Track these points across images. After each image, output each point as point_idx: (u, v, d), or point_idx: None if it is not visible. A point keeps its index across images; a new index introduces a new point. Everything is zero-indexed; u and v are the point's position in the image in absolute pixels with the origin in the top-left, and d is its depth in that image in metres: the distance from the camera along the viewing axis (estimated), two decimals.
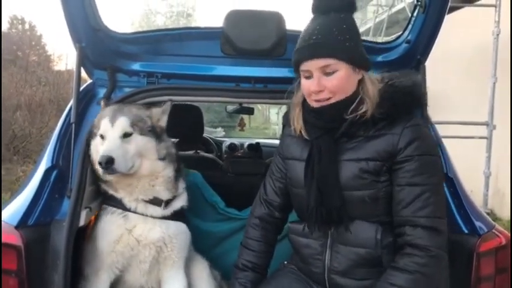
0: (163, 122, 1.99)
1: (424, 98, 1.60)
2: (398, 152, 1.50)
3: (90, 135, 1.90)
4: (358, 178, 1.53)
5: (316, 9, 1.57)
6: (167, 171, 1.95)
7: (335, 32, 1.51)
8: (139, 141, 1.88)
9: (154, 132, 1.93)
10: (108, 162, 1.74)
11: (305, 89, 1.58)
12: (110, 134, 1.84)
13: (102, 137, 1.86)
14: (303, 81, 1.58)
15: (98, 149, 1.84)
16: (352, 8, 1.57)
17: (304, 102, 1.64)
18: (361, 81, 1.56)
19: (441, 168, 1.60)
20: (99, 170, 1.80)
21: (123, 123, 1.85)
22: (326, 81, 1.52)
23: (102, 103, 2.01)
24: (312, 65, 1.52)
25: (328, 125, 1.57)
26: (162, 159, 1.94)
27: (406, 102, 1.54)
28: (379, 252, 1.53)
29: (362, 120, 1.53)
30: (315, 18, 1.57)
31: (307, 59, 1.53)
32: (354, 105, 1.53)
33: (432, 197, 1.48)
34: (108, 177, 1.87)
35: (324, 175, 1.55)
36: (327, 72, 1.51)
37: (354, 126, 1.54)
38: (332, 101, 1.54)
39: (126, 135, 1.85)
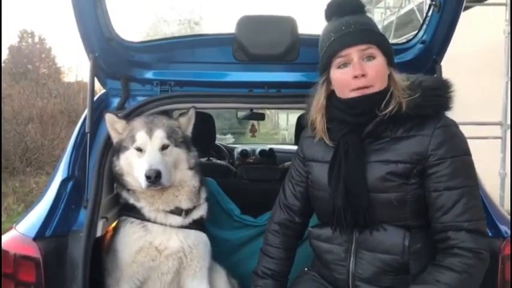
0: (189, 130, 1.98)
1: (452, 100, 1.57)
2: (430, 154, 1.47)
3: (118, 147, 1.88)
4: (385, 180, 1.50)
5: (332, 13, 1.59)
6: (194, 181, 1.94)
7: (370, 24, 1.56)
8: (175, 153, 1.87)
9: (185, 143, 1.93)
10: (157, 176, 1.73)
11: (344, 78, 1.53)
12: (149, 147, 1.81)
13: (139, 149, 1.83)
14: (339, 72, 1.55)
15: (133, 161, 1.83)
16: (363, 9, 1.60)
17: (329, 99, 1.61)
18: (389, 77, 1.56)
19: (474, 168, 1.54)
20: (144, 183, 1.75)
21: (160, 135, 1.83)
22: (367, 67, 1.50)
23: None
24: (353, 50, 1.51)
25: (359, 120, 1.54)
26: (191, 168, 1.93)
27: (436, 103, 1.52)
28: (406, 259, 1.49)
29: (391, 118, 1.50)
30: (336, 19, 1.57)
31: (349, 45, 1.51)
32: (387, 98, 1.50)
33: (471, 199, 1.45)
34: (151, 189, 1.80)
35: (351, 175, 1.52)
36: (366, 57, 1.51)
37: (382, 125, 1.51)
38: (371, 90, 1.51)
39: (164, 148, 1.84)
